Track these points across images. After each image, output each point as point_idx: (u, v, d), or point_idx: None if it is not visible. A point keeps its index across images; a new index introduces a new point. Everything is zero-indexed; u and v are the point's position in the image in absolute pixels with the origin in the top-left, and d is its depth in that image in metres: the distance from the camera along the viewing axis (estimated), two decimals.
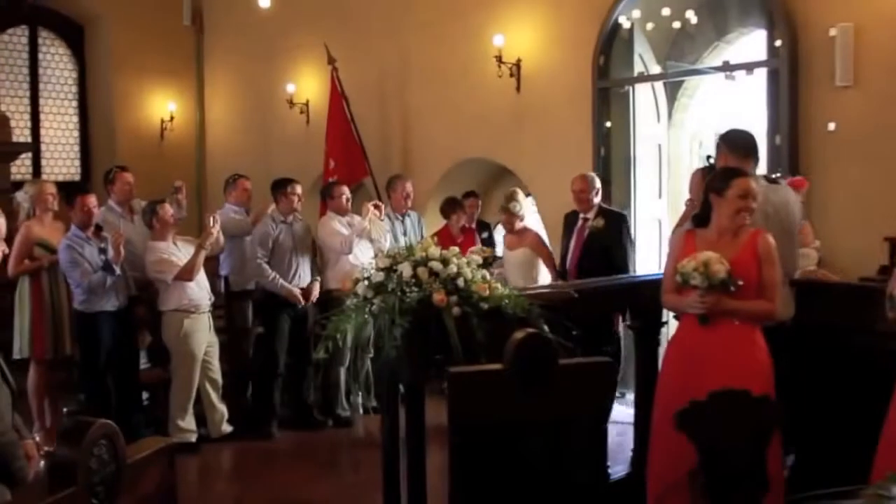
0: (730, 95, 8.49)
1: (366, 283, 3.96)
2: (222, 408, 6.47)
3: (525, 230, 6.93)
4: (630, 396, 5.61)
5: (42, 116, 10.62)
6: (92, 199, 6.14)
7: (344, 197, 7.14)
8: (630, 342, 5.33)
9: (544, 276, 6.84)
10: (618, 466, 4.95)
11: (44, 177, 10.16)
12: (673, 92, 8.15)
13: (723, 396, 3.06)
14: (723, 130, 4.67)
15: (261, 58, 10.31)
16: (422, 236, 8.06)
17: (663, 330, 5.13)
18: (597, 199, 6.55)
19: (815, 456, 4.62)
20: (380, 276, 3.92)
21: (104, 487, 1.85)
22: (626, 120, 7.47)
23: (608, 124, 7.45)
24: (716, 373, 3.74)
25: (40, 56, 10.61)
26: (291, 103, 9.84)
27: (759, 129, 6.02)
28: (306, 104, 9.80)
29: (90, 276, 5.87)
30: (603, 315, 4.78)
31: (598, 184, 6.57)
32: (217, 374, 6.43)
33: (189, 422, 6.23)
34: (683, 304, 3.97)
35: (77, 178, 10.70)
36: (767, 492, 3.11)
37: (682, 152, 8.59)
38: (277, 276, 6.63)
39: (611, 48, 7.36)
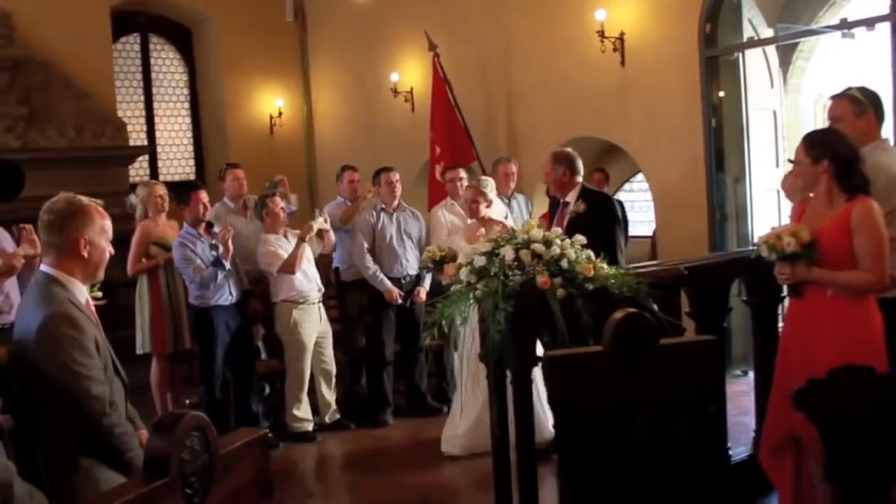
0: (850, 55, 8.04)
1: (469, 267, 3.91)
2: (331, 397, 6.56)
3: (490, 220, 6.03)
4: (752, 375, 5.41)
5: (157, 119, 10.98)
6: (203, 195, 6.28)
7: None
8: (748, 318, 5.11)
9: None
10: (739, 448, 4.78)
11: (160, 177, 10.54)
12: (787, 56, 7.81)
13: (843, 372, 2.87)
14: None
15: (363, 49, 10.39)
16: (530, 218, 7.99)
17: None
18: (578, 179, 5.68)
19: None
20: (482, 261, 3.87)
21: (198, 478, 1.87)
22: (737, 88, 7.19)
23: (720, 94, 7.18)
24: (821, 346, 3.63)
25: (152, 61, 10.97)
26: (396, 92, 9.88)
27: (884, 89, 5.66)
28: (410, 92, 9.82)
29: (202, 271, 6.03)
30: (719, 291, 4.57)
31: (578, 164, 5.68)
32: (330, 364, 6.51)
33: (305, 411, 6.34)
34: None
35: (192, 177, 11.00)
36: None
37: (801, 118, 8.21)
38: (378, 271, 6.66)
39: (717, 14, 7.09)
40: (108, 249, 3.15)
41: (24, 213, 3.66)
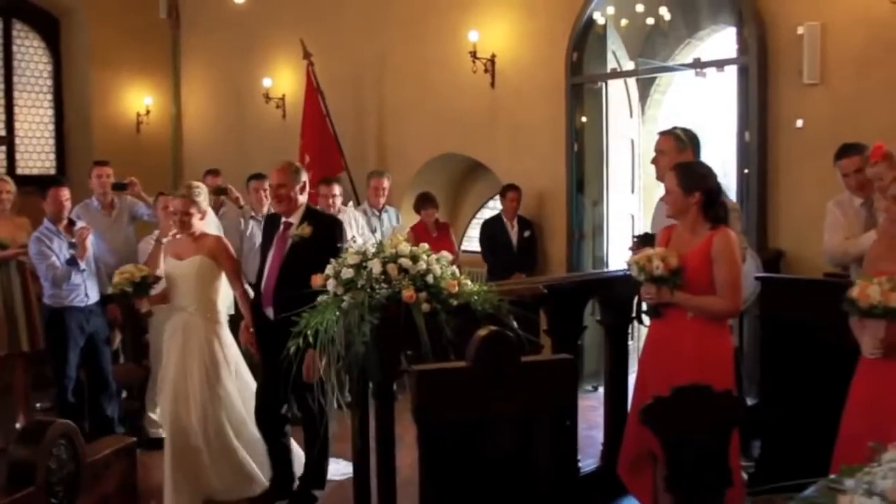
0: (701, 92, 8.58)
1: (336, 279, 3.98)
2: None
3: (204, 234, 5.15)
4: (602, 390, 5.68)
5: (16, 109, 10.58)
6: (64, 192, 6.08)
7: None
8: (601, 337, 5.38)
9: (227, 294, 5.28)
10: (588, 460, 5.01)
11: (17, 170, 10.14)
12: (645, 88, 8.23)
13: (685, 391, 3.11)
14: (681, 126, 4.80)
15: (237, 52, 10.30)
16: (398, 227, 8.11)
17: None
18: (302, 198, 4.89)
19: (780, 450, 4.70)
20: (350, 273, 3.94)
21: (63, 487, 1.87)
22: (599, 115, 7.54)
23: (582, 119, 7.51)
24: (678, 365, 3.90)
25: (14, 48, 10.56)
26: (268, 98, 9.85)
27: (728, 125, 6.09)
28: (282, 99, 9.81)
29: (56, 269, 5.85)
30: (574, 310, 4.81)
31: (303, 176, 4.90)
32: None
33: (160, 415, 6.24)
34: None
35: (52, 171, 10.67)
36: (730, 486, 3.17)
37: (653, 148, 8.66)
38: None
39: (584, 44, 7.43)
40: None
41: None
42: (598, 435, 5.20)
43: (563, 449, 2.94)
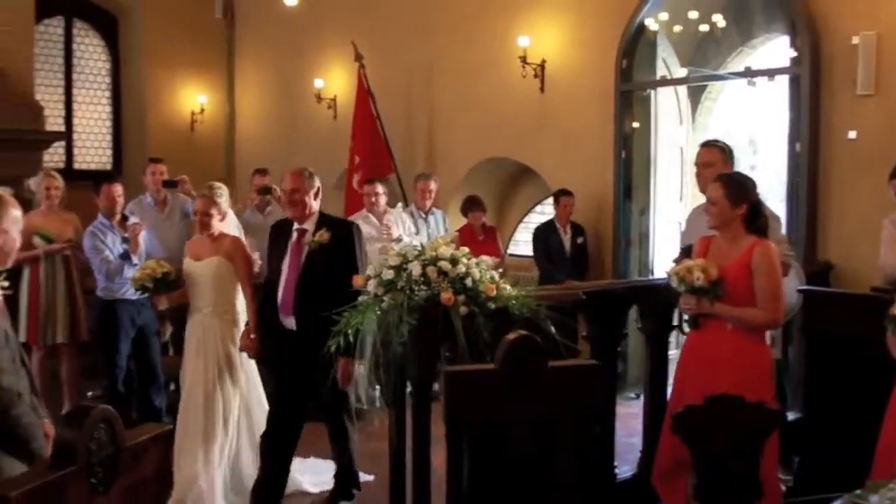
0: (752, 100, 8.49)
1: (376, 280, 4.04)
2: None
3: (222, 235, 5.13)
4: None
5: (75, 106, 10.82)
6: (117, 188, 6.26)
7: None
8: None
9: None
10: (625, 467, 5.01)
11: (75, 165, 10.41)
12: (696, 95, 8.17)
13: (717, 401, 3.12)
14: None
15: (291, 52, 10.44)
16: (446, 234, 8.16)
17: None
18: (315, 204, 4.75)
19: (820, 465, 4.64)
20: (390, 274, 4.00)
21: (103, 468, 1.96)
22: (647, 122, 7.51)
23: (632, 126, 7.49)
24: (716, 377, 3.88)
25: (74, 46, 10.81)
26: (319, 98, 9.97)
27: (779, 134, 6.03)
28: (334, 100, 9.92)
29: (109, 263, 6.02)
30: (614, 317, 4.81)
31: (317, 182, 4.77)
32: None
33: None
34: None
35: (108, 167, 10.90)
36: (760, 498, 3.16)
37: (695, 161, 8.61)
38: None
39: (634, 51, 7.40)
40: (18, 239, 3.21)
41: None
42: (639, 442, 5.19)
43: (591, 454, 2.94)
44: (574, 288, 4.80)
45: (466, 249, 4.16)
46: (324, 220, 4.76)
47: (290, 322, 4.73)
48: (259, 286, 5.06)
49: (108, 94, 11.10)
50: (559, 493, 2.59)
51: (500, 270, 7.62)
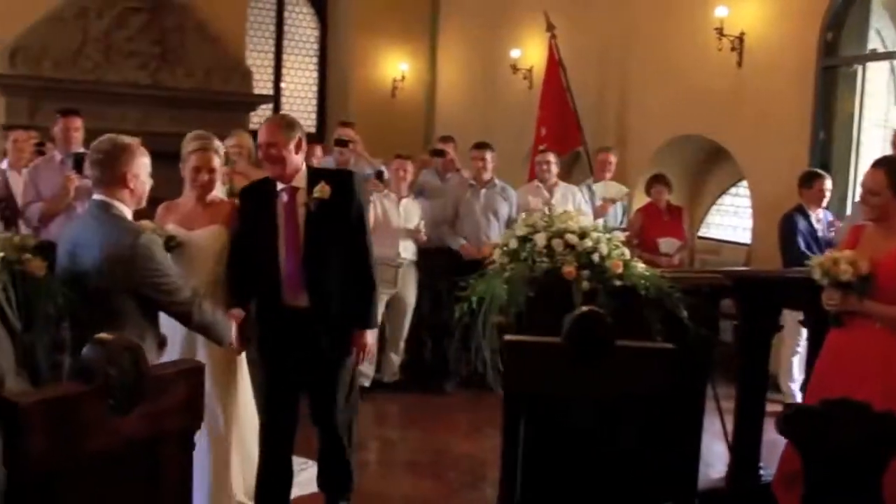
0: None
1: (503, 249, 3.97)
2: (397, 359, 6.76)
3: (220, 200, 4.28)
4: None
5: (284, 71, 11.46)
6: (316, 151, 6.72)
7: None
8: None
9: None
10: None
11: None
12: None
13: (836, 405, 2.80)
14: None
15: (491, 22, 10.45)
16: (622, 210, 7.92)
17: None
18: (298, 158, 3.92)
19: None
20: (515, 244, 3.92)
21: (121, 392, 2.06)
22: (852, 102, 6.88)
23: (836, 105, 6.88)
24: (862, 384, 3.51)
25: (286, 14, 11.43)
26: (515, 69, 9.91)
27: None
28: (530, 70, 9.83)
29: None
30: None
31: (298, 132, 3.92)
32: (400, 327, 6.74)
33: (366, 366, 6.49)
34: None
35: (312, 129, 11.41)
36: None
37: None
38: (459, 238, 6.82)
39: (843, 22, 6.78)
40: (149, 182, 3.43)
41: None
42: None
43: (653, 437, 2.64)
44: (717, 272, 4.48)
45: (600, 223, 4.00)
46: (317, 174, 4.02)
47: (300, 299, 3.93)
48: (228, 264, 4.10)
49: (315, 59, 11.64)
50: (622, 472, 2.43)
51: (681, 253, 7.33)
